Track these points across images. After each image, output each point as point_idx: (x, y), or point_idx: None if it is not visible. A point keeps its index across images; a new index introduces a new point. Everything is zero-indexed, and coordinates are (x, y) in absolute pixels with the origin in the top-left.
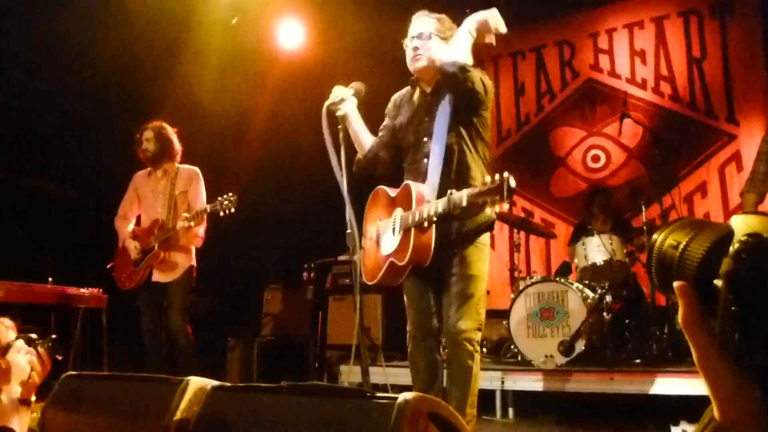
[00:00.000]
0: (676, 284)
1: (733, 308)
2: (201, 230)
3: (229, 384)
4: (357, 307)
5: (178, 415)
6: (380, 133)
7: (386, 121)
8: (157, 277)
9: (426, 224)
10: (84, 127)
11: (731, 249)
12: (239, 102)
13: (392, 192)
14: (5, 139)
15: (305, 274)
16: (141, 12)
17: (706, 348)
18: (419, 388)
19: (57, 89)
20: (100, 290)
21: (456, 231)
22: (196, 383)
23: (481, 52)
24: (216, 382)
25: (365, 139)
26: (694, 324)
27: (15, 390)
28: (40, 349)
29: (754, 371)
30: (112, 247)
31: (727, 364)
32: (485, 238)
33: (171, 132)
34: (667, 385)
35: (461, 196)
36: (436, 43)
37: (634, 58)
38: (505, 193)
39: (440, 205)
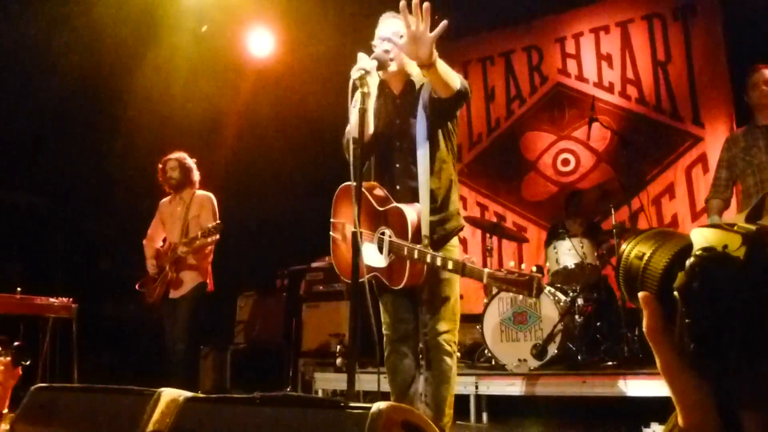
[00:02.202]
0: (640, 295)
1: (686, 320)
2: (208, 251)
3: (202, 395)
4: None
5: (150, 427)
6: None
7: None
8: (172, 294)
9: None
10: (53, 135)
11: (687, 263)
12: (210, 109)
13: (375, 202)
14: None
15: (279, 281)
16: (109, 19)
17: (668, 357)
18: (397, 392)
19: (24, 97)
20: (71, 300)
21: (439, 233)
22: (169, 395)
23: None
24: (189, 393)
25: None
26: (656, 334)
27: None
28: (4, 359)
29: (708, 379)
30: (83, 255)
31: (687, 373)
32: (455, 240)
33: (191, 162)
34: (639, 387)
35: (482, 274)
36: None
37: (600, 62)
38: (534, 291)
39: (450, 263)
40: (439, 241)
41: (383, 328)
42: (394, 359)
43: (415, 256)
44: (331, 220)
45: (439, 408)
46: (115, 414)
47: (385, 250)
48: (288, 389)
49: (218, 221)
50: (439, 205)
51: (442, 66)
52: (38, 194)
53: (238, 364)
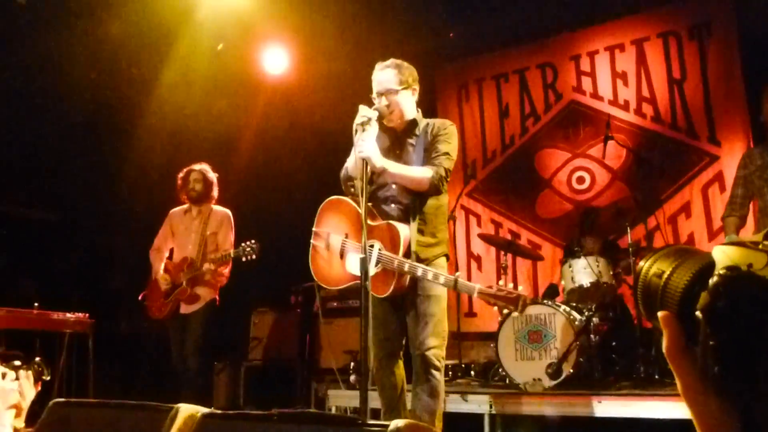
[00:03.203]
0: (659, 314)
1: (711, 342)
2: (226, 271)
3: (219, 411)
4: (362, 332)
5: None
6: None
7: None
8: (183, 309)
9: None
10: (69, 152)
11: (710, 282)
12: (225, 125)
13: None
14: None
15: (293, 297)
16: (126, 37)
17: (689, 379)
18: (385, 405)
19: (42, 114)
20: (86, 315)
21: (420, 257)
22: (186, 410)
23: (465, 75)
24: (206, 410)
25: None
26: (677, 354)
27: (9, 415)
28: (27, 372)
29: (733, 403)
30: (99, 271)
31: (710, 396)
32: (442, 260)
33: (214, 175)
34: (655, 408)
35: (473, 289)
36: (402, 96)
37: (616, 80)
38: (520, 308)
39: (442, 278)
40: (424, 262)
41: (371, 344)
42: (382, 375)
43: (406, 269)
44: (314, 228)
45: (429, 422)
46: (133, 430)
47: (373, 261)
48: (300, 406)
49: (255, 242)
50: (427, 229)
51: (396, 171)
52: (53, 210)
53: (252, 381)
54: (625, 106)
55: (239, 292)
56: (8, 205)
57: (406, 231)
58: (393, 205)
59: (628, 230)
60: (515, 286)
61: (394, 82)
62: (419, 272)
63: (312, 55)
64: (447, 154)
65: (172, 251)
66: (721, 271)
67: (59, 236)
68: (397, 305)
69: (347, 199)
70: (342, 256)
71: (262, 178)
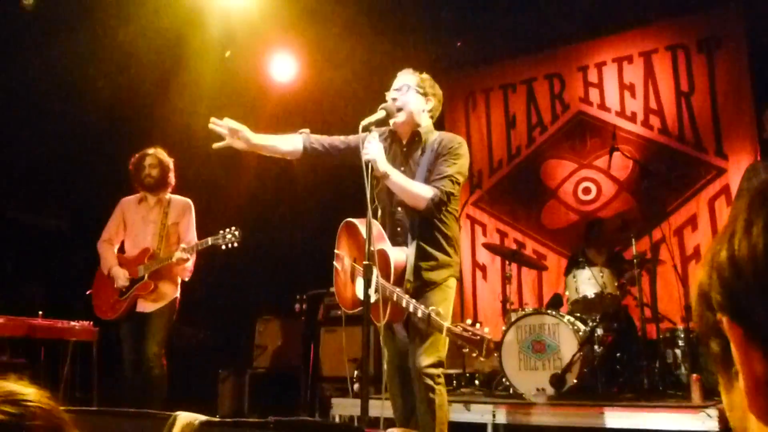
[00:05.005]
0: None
1: None
2: (190, 263)
3: (217, 419)
4: (366, 341)
5: None
6: (341, 138)
7: (350, 137)
8: (142, 307)
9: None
10: (75, 159)
11: None
12: None
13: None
14: None
15: (297, 305)
16: (134, 44)
17: None
18: (398, 418)
19: (49, 121)
20: (91, 323)
21: (425, 280)
22: (185, 418)
23: (473, 85)
24: (204, 417)
25: None
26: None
27: None
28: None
29: None
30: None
31: None
32: (451, 281)
33: (170, 160)
34: (658, 420)
35: (442, 327)
36: (413, 96)
37: (623, 92)
38: (484, 352)
39: (419, 311)
40: (427, 285)
41: (384, 360)
42: (393, 389)
43: (395, 298)
44: (335, 251)
45: None
46: None
47: (373, 286)
48: (304, 414)
49: (236, 228)
50: (434, 252)
51: (397, 180)
52: (61, 218)
53: (257, 389)
54: (632, 118)
55: (244, 301)
56: (16, 212)
57: (399, 256)
58: (399, 229)
59: (633, 242)
60: (520, 296)
61: (411, 82)
62: (403, 302)
63: (320, 63)
64: (452, 176)
65: (122, 245)
66: None
67: (66, 244)
68: (407, 323)
69: (357, 221)
70: (352, 280)
71: (269, 186)
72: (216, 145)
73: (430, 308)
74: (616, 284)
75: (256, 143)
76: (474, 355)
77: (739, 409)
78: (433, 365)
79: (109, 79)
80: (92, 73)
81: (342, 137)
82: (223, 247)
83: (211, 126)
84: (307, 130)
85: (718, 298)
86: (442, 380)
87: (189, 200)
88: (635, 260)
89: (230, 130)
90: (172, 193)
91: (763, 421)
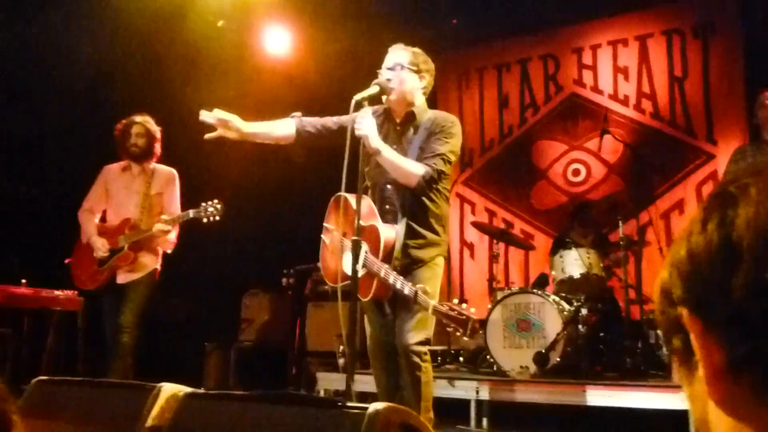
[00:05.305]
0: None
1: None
2: (173, 235)
3: (202, 391)
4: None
5: (149, 423)
6: (333, 119)
7: (343, 117)
8: (121, 278)
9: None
10: (60, 128)
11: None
12: (225, 106)
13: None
14: None
15: (284, 280)
16: (125, 15)
17: None
18: (383, 396)
19: (34, 90)
20: (76, 293)
21: (413, 257)
22: (169, 390)
23: (467, 63)
24: (189, 389)
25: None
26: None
27: None
28: None
29: None
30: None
31: None
32: (439, 260)
33: (157, 129)
34: (639, 398)
35: (428, 305)
36: (407, 75)
37: (617, 75)
38: (468, 332)
39: (406, 288)
40: (415, 263)
41: (367, 337)
42: (377, 366)
43: (382, 275)
44: (324, 224)
45: (417, 411)
46: (115, 408)
47: (361, 262)
48: (290, 388)
49: (218, 201)
50: (422, 230)
51: (389, 157)
52: (43, 186)
53: (243, 363)
54: (625, 101)
55: (231, 274)
56: None
57: (389, 234)
58: (388, 207)
59: (620, 224)
60: (507, 275)
61: (404, 60)
62: (390, 279)
63: (314, 37)
64: (443, 155)
65: (104, 214)
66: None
67: (51, 213)
68: (392, 300)
69: (349, 196)
70: (340, 254)
71: (259, 159)
72: (207, 136)
73: (418, 286)
74: (602, 266)
75: (247, 132)
76: (458, 334)
77: (700, 399)
78: (421, 343)
79: (99, 48)
80: (82, 41)
81: (334, 118)
82: (205, 220)
83: (201, 118)
84: (299, 114)
85: (678, 292)
86: (428, 357)
87: (174, 171)
88: (621, 242)
89: (220, 121)
90: (158, 162)
91: (721, 407)
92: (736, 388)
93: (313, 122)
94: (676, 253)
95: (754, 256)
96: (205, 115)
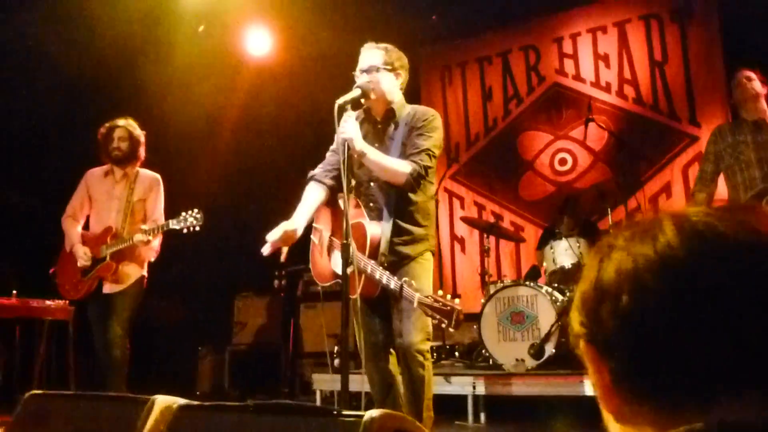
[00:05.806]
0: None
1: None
2: (156, 243)
3: (196, 403)
4: (349, 319)
5: None
6: (332, 147)
7: (333, 146)
8: (107, 288)
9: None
10: (46, 134)
11: None
12: (207, 108)
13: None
14: None
15: (276, 282)
16: (106, 17)
17: None
18: (376, 399)
19: (18, 95)
20: (66, 302)
21: (401, 254)
22: (163, 402)
23: (448, 59)
24: (183, 401)
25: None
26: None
27: None
28: None
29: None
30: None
31: None
32: (428, 255)
33: (141, 133)
34: None
35: (413, 297)
36: (383, 75)
37: (598, 62)
38: (453, 323)
39: (392, 282)
40: (402, 260)
41: (356, 338)
42: (370, 367)
43: (368, 271)
44: (314, 225)
45: (418, 410)
46: (110, 421)
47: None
48: (285, 390)
49: (198, 211)
50: (408, 226)
51: (374, 158)
52: (33, 195)
53: (237, 366)
54: (607, 88)
55: (223, 277)
56: None
57: (375, 230)
58: (372, 204)
59: (609, 212)
60: (498, 268)
61: (378, 61)
62: (377, 275)
63: (295, 36)
64: (428, 150)
65: (87, 220)
66: None
67: (38, 221)
68: (379, 298)
69: (337, 196)
70: (329, 253)
71: (247, 160)
72: (283, 258)
73: (403, 279)
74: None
75: (302, 226)
76: (443, 325)
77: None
78: (423, 341)
79: (80, 53)
80: (63, 46)
81: (331, 148)
82: (185, 231)
83: (266, 253)
84: (313, 173)
85: (576, 326)
86: (429, 356)
87: (158, 175)
88: (610, 230)
89: (281, 241)
90: (142, 167)
91: (616, 418)
92: (620, 399)
93: (326, 168)
94: (574, 295)
95: (613, 293)
96: (267, 249)
